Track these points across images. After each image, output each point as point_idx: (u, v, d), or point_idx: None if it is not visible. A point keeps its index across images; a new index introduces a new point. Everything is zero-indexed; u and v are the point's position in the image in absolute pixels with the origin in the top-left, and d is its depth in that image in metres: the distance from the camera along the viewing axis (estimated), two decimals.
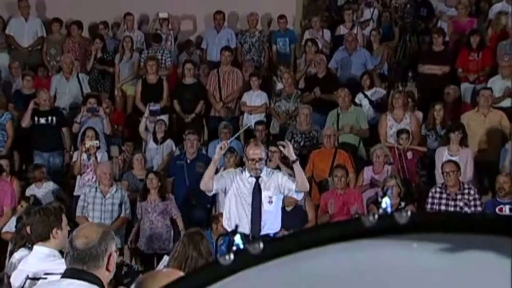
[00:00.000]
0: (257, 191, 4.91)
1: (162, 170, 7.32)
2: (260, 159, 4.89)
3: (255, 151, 4.93)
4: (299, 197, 5.27)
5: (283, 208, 5.24)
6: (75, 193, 7.20)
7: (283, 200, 5.23)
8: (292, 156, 5.03)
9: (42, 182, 7.09)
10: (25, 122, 7.76)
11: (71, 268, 2.33)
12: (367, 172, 6.95)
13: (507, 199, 6.26)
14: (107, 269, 2.32)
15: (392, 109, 7.41)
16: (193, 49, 9.31)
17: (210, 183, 4.98)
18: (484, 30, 8.71)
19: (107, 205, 6.64)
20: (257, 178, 4.93)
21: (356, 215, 6.18)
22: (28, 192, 7.01)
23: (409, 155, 6.98)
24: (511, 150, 6.74)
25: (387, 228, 0.71)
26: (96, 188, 6.71)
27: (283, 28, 9.17)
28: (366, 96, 7.93)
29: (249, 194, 4.91)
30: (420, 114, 7.65)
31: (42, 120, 7.81)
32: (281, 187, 4.94)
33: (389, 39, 9.08)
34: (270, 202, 4.92)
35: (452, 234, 0.70)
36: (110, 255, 2.32)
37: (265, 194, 4.92)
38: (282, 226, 5.07)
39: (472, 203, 6.35)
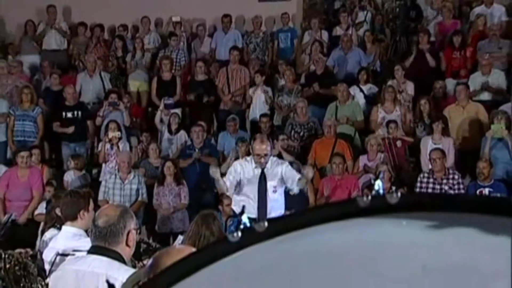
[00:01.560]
0: (262, 181, 4.87)
1: (176, 158, 7.33)
2: (266, 155, 4.85)
3: (261, 147, 4.89)
4: (296, 190, 5.04)
5: (286, 192, 5.13)
6: (100, 179, 7.23)
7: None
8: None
9: (79, 169, 7.16)
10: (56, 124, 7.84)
11: (95, 246, 2.35)
12: (362, 160, 6.97)
13: (486, 182, 6.28)
14: (127, 245, 2.33)
15: (384, 102, 7.41)
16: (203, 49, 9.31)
17: (221, 188, 4.97)
18: (466, 31, 8.66)
19: (126, 190, 6.68)
20: (262, 168, 4.89)
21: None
22: (65, 178, 7.08)
23: (398, 143, 7.00)
24: (490, 139, 6.72)
25: (379, 208, 0.72)
26: (115, 174, 6.75)
27: (285, 23, 9.12)
28: (361, 90, 7.91)
29: (255, 183, 4.87)
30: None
31: (69, 114, 7.85)
32: (285, 177, 4.88)
33: (381, 39, 9.03)
34: (275, 191, 4.88)
35: (438, 213, 0.70)
36: (129, 232, 2.33)
37: (270, 184, 4.87)
38: (286, 208, 5.02)
39: (456, 186, 6.38)
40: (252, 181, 4.87)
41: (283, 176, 4.88)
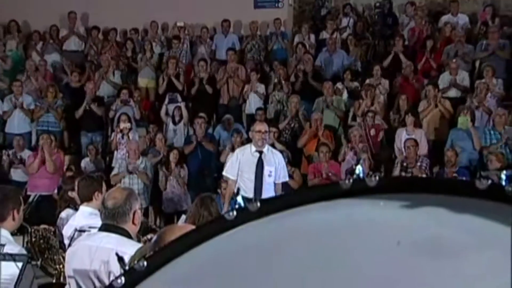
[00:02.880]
0: (260, 164, 4.85)
1: (180, 146, 7.32)
2: (266, 131, 4.90)
3: (261, 126, 5.00)
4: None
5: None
6: (112, 165, 7.21)
7: None
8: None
9: (94, 155, 7.16)
10: (79, 114, 7.88)
11: (105, 224, 2.35)
12: (345, 148, 6.97)
13: (453, 169, 6.29)
14: (133, 223, 2.34)
15: (364, 98, 7.41)
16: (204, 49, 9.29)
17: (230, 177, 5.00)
18: (436, 36, 8.65)
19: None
20: (260, 153, 4.86)
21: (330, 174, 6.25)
22: (82, 164, 7.08)
23: (372, 132, 7.00)
24: (455, 131, 6.76)
25: (360, 190, 0.71)
26: (125, 160, 6.73)
27: (278, 27, 9.11)
28: (346, 87, 7.93)
29: (253, 166, 4.85)
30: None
31: (87, 107, 7.86)
32: (278, 167, 4.89)
33: (362, 43, 9.03)
34: (270, 175, 4.87)
35: (411, 194, 0.70)
36: (134, 212, 2.33)
37: (266, 168, 4.86)
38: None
39: (425, 171, 6.39)
40: (251, 165, 4.85)
41: (277, 165, 4.88)
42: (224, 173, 5.12)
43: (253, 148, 4.89)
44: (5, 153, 7.39)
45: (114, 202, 2.31)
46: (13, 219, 2.58)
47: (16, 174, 7.28)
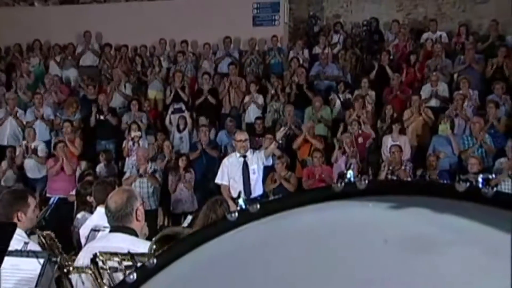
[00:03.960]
0: (245, 167, 5.08)
1: (186, 153, 7.31)
2: (246, 139, 5.15)
3: (241, 135, 5.25)
4: (267, 162, 5.32)
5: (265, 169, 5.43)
6: (124, 170, 7.19)
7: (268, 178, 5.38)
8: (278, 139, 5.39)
9: (108, 161, 7.16)
10: (92, 123, 7.96)
11: (114, 226, 2.34)
12: (336, 154, 6.95)
13: (434, 173, 6.29)
14: (137, 220, 2.33)
15: (355, 107, 7.42)
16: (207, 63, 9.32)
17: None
18: (418, 51, 8.71)
19: (144, 179, 6.61)
20: (244, 157, 5.08)
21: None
22: (97, 169, 7.06)
23: (360, 139, 6.99)
24: (437, 137, 6.77)
25: (350, 192, 0.71)
26: (136, 166, 6.71)
27: (275, 44, 9.13)
28: (338, 97, 7.93)
29: (240, 169, 5.08)
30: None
31: (102, 117, 7.85)
32: (258, 160, 5.11)
33: (351, 57, 9.05)
34: (254, 173, 5.10)
35: (397, 195, 0.70)
36: (137, 210, 2.32)
37: (250, 168, 5.10)
38: (263, 183, 5.36)
39: (410, 174, 6.38)
40: (237, 168, 5.09)
41: (259, 159, 5.12)
42: (216, 180, 5.34)
43: (238, 154, 5.15)
44: (18, 144, 7.38)
45: (115, 205, 2.29)
46: (19, 220, 2.55)
47: (29, 167, 7.20)
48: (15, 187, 5.75)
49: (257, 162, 5.10)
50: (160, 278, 0.74)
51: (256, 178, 5.12)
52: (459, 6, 9.40)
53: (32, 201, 2.67)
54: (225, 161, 5.31)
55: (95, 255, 1.44)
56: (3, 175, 7.20)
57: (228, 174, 5.13)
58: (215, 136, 7.77)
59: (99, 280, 1.82)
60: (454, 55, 8.36)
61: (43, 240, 2.49)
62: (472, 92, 7.43)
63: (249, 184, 5.06)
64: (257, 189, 5.14)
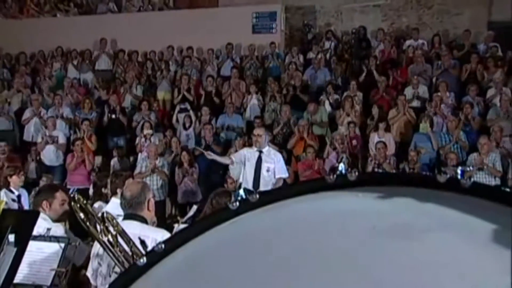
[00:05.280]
0: (259, 161, 4.87)
1: (191, 148, 7.30)
2: (260, 135, 4.92)
3: (258, 131, 5.08)
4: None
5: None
6: (136, 164, 7.18)
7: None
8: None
9: (120, 156, 7.14)
10: (105, 122, 7.95)
11: (127, 213, 2.34)
12: (328, 150, 6.95)
13: (416, 166, 6.30)
14: (148, 210, 2.34)
15: (344, 108, 7.41)
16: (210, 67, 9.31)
17: (227, 161, 5.14)
18: (401, 57, 8.74)
19: (154, 172, 6.60)
20: (260, 152, 4.87)
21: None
22: (112, 163, 7.05)
23: (354, 142, 6.97)
24: (418, 134, 6.78)
25: (342, 183, 0.71)
26: (146, 160, 6.70)
27: (273, 49, 9.11)
28: (328, 99, 7.91)
29: (254, 163, 4.87)
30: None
31: (114, 116, 7.84)
32: (276, 165, 4.86)
33: (341, 62, 9.05)
34: (268, 170, 4.85)
35: (383, 186, 0.69)
36: (148, 201, 2.33)
37: (264, 165, 4.85)
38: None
39: (393, 168, 6.39)
40: (252, 161, 4.89)
41: (276, 163, 4.88)
42: (229, 162, 5.14)
43: (255, 148, 4.95)
44: (42, 133, 7.40)
45: (130, 194, 2.31)
46: (43, 209, 2.65)
47: (48, 155, 7.21)
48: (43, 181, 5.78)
49: (272, 163, 4.82)
50: (167, 261, 0.74)
51: (268, 176, 4.82)
52: (437, 17, 9.53)
53: (60, 195, 2.72)
54: (244, 150, 5.09)
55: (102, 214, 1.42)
56: (28, 168, 7.20)
57: (244, 162, 4.86)
58: (218, 134, 7.75)
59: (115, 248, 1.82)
60: (433, 61, 8.38)
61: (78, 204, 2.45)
62: (449, 94, 7.47)
63: (259, 179, 4.79)
64: (265, 187, 4.74)
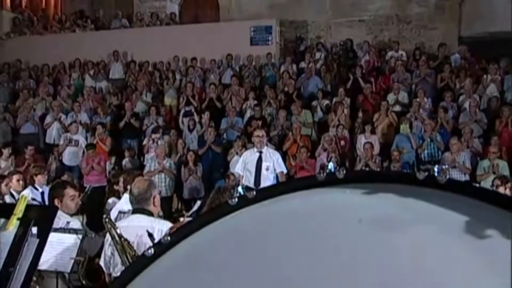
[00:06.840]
0: (259, 161, 4.82)
1: (195, 149, 7.28)
2: (262, 136, 4.88)
3: (259, 132, 4.99)
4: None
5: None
6: (144, 163, 7.16)
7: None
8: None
9: (132, 157, 7.13)
10: (121, 125, 7.92)
11: (135, 208, 2.33)
12: (319, 150, 6.94)
13: (398, 165, 6.29)
14: (154, 205, 2.33)
15: (336, 112, 7.41)
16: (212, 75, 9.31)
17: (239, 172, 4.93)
18: (384, 66, 8.79)
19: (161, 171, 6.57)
20: (260, 152, 4.83)
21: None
22: (123, 162, 7.04)
23: (342, 143, 6.96)
24: (399, 136, 6.80)
25: (331, 181, 0.71)
26: (154, 160, 6.67)
27: (269, 59, 9.11)
28: (319, 104, 7.89)
29: (254, 163, 4.82)
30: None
31: (127, 120, 7.85)
32: (275, 163, 4.84)
33: (330, 71, 9.06)
34: (267, 169, 4.80)
35: (369, 183, 0.69)
36: (154, 197, 2.32)
37: (264, 164, 4.80)
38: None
39: (378, 166, 6.39)
40: (253, 161, 4.84)
41: (275, 161, 4.84)
42: (235, 170, 5.08)
43: (255, 149, 4.90)
44: (64, 136, 7.41)
45: (138, 190, 2.30)
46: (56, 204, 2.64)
47: (68, 156, 7.24)
48: (64, 179, 5.75)
49: (271, 161, 4.77)
50: (173, 252, 0.73)
51: (268, 174, 4.77)
52: (415, 31, 9.72)
53: (70, 191, 2.70)
54: (246, 153, 5.02)
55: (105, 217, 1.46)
56: (50, 167, 7.20)
57: (245, 165, 4.85)
58: (219, 136, 7.75)
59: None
60: (412, 70, 8.43)
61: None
62: (426, 99, 7.53)
63: (259, 178, 4.74)
64: (266, 184, 4.64)
